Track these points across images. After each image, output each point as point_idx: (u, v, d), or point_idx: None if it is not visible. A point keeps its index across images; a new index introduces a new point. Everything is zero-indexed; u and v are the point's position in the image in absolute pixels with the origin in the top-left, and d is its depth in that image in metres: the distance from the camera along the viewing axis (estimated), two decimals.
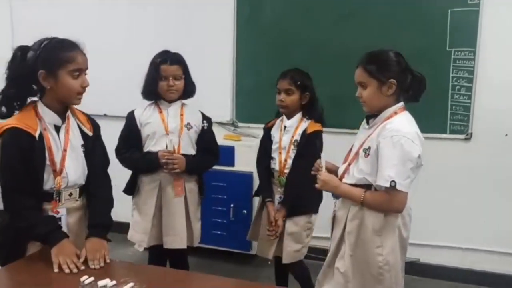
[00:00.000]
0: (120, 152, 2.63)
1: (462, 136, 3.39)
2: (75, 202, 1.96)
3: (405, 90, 2.01)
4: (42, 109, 1.86)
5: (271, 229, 2.63)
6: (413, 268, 3.44)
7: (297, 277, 2.78)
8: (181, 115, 2.65)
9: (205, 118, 2.73)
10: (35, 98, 1.90)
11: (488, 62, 3.27)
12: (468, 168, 3.42)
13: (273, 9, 3.70)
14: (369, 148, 1.98)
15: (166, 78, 2.55)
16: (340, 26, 3.55)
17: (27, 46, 1.85)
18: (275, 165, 2.70)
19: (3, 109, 1.83)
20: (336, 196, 2.14)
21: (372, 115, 2.06)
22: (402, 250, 2.06)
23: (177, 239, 2.62)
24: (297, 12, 3.63)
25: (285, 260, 2.65)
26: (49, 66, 1.80)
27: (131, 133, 2.64)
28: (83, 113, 2.06)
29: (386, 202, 1.94)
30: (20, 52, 1.83)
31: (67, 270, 1.71)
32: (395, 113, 1.99)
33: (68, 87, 1.82)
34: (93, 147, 2.04)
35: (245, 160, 3.58)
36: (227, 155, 3.60)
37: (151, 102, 2.67)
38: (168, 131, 2.60)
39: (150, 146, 2.61)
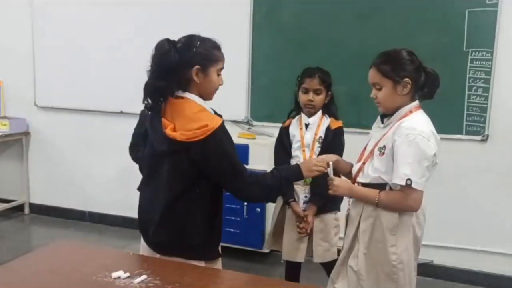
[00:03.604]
0: (132, 149, 2.65)
1: (478, 138, 3.35)
2: None
3: (419, 88, 2.01)
4: (204, 103, 1.94)
5: (302, 227, 2.61)
6: (427, 270, 3.42)
7: None
8: None
9: (216, 114, 2.73)
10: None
11: (505, 63, 3.24)
12: (484, 169, 3.38)
13: (290, 7, 3.70)
14: (384, 146, 1.97)
15: None
16: (357, 25, 3.54)
17: (173, 40, 1.91)
18: None
19: (149, 100, 1.90)
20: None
21: (386, 114, 2.05)
22: (416, 249, 2.05)
23: None
24: (313, 10, 3.63)
25: (316, 259, 2.66)
26: (204, 62, 1.88)
27: (144, 131, 2.66)
28: None
29: (402, 200, 1.93)
30: (170, 46, 1.87)
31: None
32: (411, 111, 1.98)
33: (213, 83, 1.94)
34: None
35: (260, 158, 3.59)
36: (242, 153, 3.58)
37: None
38: None
39: None
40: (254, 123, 3.91)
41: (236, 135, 3.80)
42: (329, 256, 2.67)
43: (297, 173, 2.05)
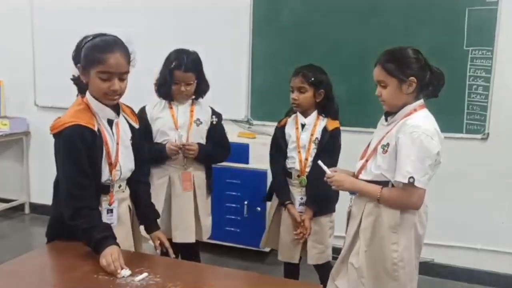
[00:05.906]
0: None
1: (478, 136, 3.35)
2: (122, 193, 2.01)
3: (424, 87, 2.00)
4: (94, 103, 1.88)
5: (299, 232, 2.58)
6: (427, 268, 3.42)
7: (324, 281, 2.75)
8: (191, 111, 2.68)
9: (214, 113, 2.74)
10: None
11: (505, 61, 3.24)
12: (484, 168, 3.38)
13: (290, 7, 3.70)
14: (388, 144, 1.97)
15: (179, 83, 2.58)
16: (358, 24, 3.54)
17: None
18: (295, 164, 2.64)
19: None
20: (352, 192, 2.13)
21: (391, 112, 2.05)
22: (417, 248, 2.05)
23: (186, 233, 2.64)
24: (314, 9, 3.63)
25: (310, 261, 2.65)
26: (84, 62, 1.84)
27: (142, 127, 2.66)
28: (126, 105, 2.07)
29: (404, 198, 1.93)
30: (80, 41, 1.88)
31: (111, 268, 1.64)
32: (415, 110, 1.98)
33: (95, 87, 1.85)
34: (139, 139, 2.10)
35: (260, 158, 3.58)
36: (242, 152, 3.61)
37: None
38: (178, 126, 2.63)
39: (160, 140, 2.65)
40: (254, 122, 3.91)
41: (236, 134, 3.80)
42: (323, 258, 2.66)
43: (97, 245, 1.74)
